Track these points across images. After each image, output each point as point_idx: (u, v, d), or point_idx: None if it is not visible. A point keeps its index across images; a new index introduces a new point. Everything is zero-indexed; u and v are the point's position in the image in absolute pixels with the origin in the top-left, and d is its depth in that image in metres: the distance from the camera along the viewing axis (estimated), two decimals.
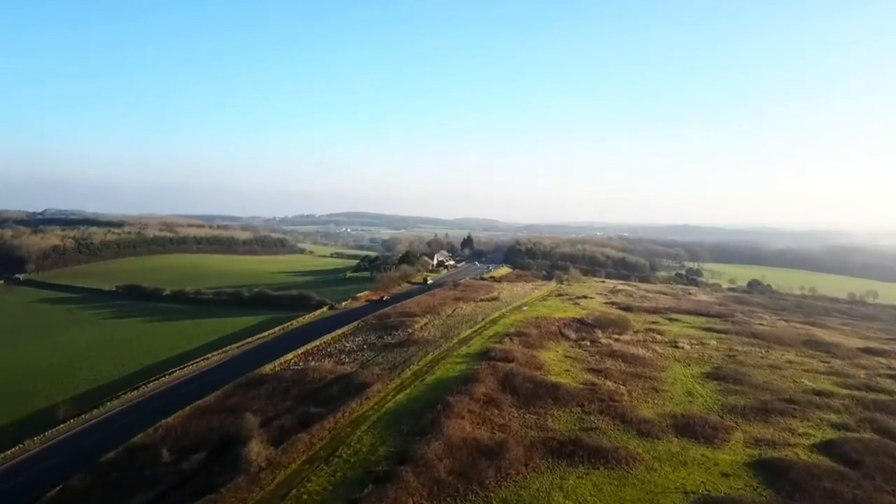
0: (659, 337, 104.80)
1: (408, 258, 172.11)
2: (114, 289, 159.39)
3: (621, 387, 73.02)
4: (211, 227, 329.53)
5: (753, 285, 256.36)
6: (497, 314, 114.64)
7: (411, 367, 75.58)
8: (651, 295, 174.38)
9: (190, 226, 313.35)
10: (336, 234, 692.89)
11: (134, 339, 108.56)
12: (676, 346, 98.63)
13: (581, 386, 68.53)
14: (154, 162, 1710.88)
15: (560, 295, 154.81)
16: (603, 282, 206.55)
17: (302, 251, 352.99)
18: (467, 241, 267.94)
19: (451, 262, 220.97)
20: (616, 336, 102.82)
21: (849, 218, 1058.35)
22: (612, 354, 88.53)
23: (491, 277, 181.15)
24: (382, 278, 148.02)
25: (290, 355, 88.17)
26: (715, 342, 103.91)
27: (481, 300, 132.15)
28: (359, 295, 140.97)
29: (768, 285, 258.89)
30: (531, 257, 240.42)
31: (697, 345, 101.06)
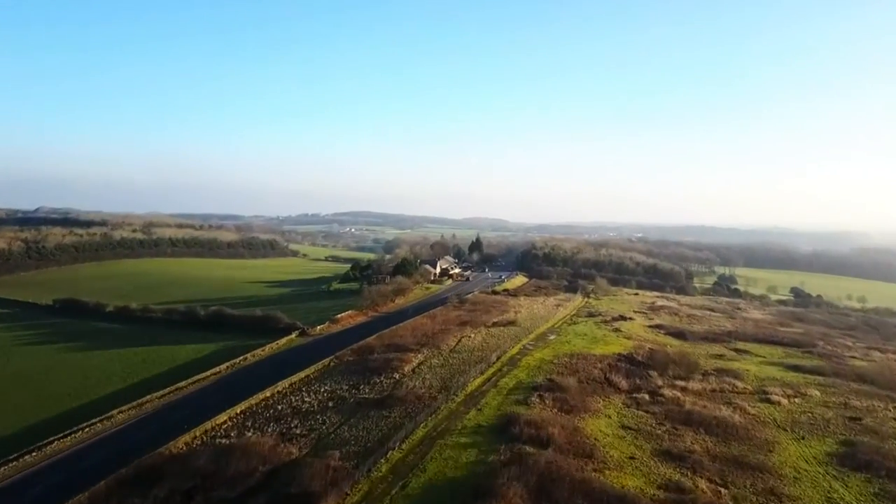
0: (739, 384, 78.07)
1: (404, 267, 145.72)
2: (51, 303, 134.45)
3: (722, 490, 46.75)
4: (195, 227, 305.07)
5: (802, 296, 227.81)
6: (517, 348, 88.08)
7: (391, 453, 49.13)
8: (698, 313, 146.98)
9: (168, 226, 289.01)
10: (338, 234, 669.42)
11: (36, 376, 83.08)
12: (769, 401, 72.15)
13: (660, 494, 41.76)
14: (159, 161, 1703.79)
15: (592, 314, 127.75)
16: (636, 294, 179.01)
17: (295, 254, 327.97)
18: (476, 245, 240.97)
19: (457, 270, 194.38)
20: (681, 383, 76.05)
21: (855, 218, 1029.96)
22: (688, 420, 61.86)
23: (504, 291, 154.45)
24: (372, 293, 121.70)
25: (222, 417, 62.07)
26: (818, 392, 76.78)
27: (494, 324, 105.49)
28: (340, 316, 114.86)
29: (818, 296, 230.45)
30: (550, 264, 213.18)
31: (796, 397, 74.29)
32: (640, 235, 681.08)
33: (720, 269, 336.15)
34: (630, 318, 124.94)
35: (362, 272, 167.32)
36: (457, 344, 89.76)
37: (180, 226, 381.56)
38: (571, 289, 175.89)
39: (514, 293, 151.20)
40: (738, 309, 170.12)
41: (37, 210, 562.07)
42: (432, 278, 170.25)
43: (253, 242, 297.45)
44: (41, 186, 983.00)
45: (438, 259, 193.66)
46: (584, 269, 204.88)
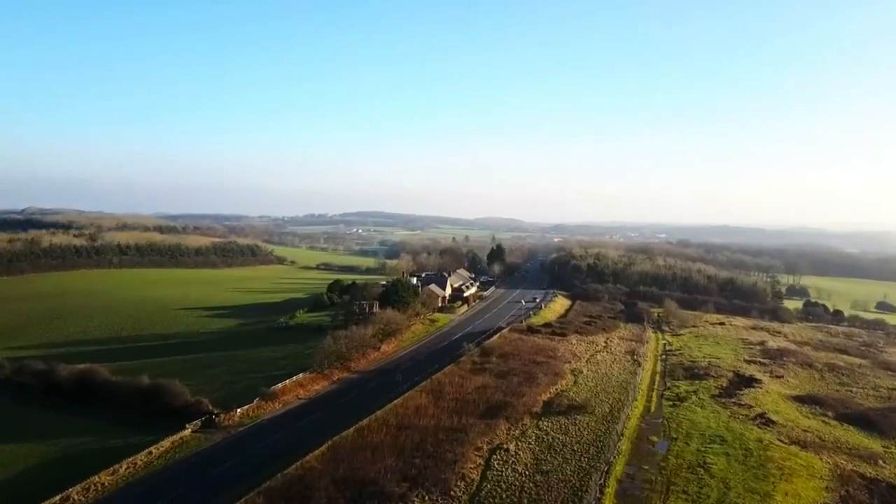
0: None
1: (396, 295, 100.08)
2: None
3: None
4: (162, 230, 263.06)
5: None
6: (610, 489, 42.17)
7: None
8: (832, 358, 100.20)
9: (135, 229, 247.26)
10: (343, 235, 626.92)
11: None
12: None
13: None
14: (169, 162, 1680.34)
15: (689, 371, 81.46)
16: (721, 324, 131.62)
17: (282, 260, 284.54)
18: (497, 253, 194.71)
19: (474, 290, 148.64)
20: None
21: (884, 218, 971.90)
22: None
23: (546, 325, 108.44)
24: (340, 342, 76.57)
25: None
26: None
27: (547, 410, 60.08)
28: (283, 385, 69.88)
29: None
30: (596, 279, 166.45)
31: None
32: (663, 236, 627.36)
33: (784, 279, 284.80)
34: (757, 382, 78.40)
35: (342, 293, 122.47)
36: (482, 474, 44.42)
37: (159, 228, 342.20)
38: (633, 316, 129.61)
39: (560, 329, 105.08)
40: (868, 346, 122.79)
41: (23, 210, 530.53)
42: (440, 304, 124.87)
43: (228, 248, 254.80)
44: (52, 187, 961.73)
45: (449, 273, 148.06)
46: (643, 287, 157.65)
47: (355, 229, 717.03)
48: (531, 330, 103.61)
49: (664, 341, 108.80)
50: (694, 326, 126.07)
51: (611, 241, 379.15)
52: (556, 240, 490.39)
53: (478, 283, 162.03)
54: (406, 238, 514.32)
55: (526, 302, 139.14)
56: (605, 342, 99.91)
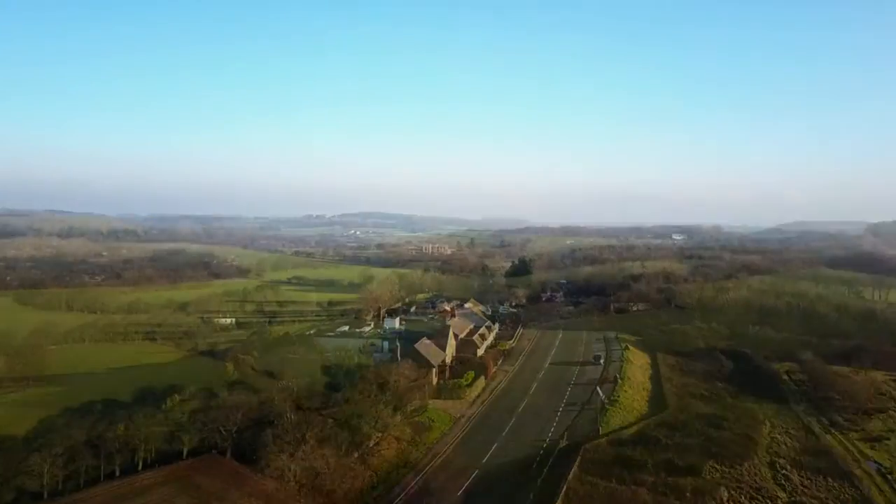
0: None
1: (341, 404, 45.45)
2: None
3: None
4: (118, 236, 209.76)
5: None
6: None
7: None
8: None
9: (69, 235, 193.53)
10: (337, 237, 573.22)
11: None
12: None
13: None
14: (162, 162, 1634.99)
15: None
16: None
17: (244, 273, 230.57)
18: (519, 268, 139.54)
19: (492, 337, 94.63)
20: None
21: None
22: None
23: (638, 439, 53.52)
24: None
25: None
26: None
27: None
28: None
29: None
30: (675, 313, 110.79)
31: None
32: (681, 238, 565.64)
33: None
34: None
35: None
36: None
37: (115, 234, 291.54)
38: (759, 386, 75.08)
39: (673, 443, 50.32)
40: None
41: None
42: (437, 379, 70.23)
43: (173, 259, 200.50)
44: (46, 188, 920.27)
45: (452, 309, 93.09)
46: (751, 325, 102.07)
47: (353, 231, 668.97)
48: (624, 463, 48.94)
49: (875, 464, 54.21)
50: (883, 412, 71.19)
51: (659, 246, 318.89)
52: (568, 241, 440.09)
53: (496, 325, 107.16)
54: (402, 241, 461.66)
55: (580, 362, 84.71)
56: (771, 475, 45.14)
